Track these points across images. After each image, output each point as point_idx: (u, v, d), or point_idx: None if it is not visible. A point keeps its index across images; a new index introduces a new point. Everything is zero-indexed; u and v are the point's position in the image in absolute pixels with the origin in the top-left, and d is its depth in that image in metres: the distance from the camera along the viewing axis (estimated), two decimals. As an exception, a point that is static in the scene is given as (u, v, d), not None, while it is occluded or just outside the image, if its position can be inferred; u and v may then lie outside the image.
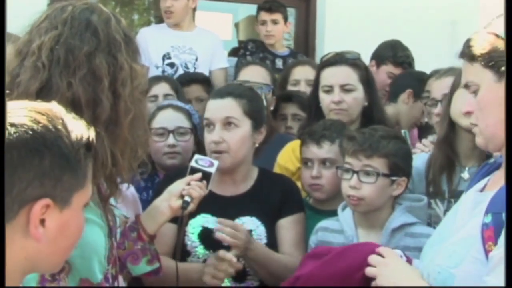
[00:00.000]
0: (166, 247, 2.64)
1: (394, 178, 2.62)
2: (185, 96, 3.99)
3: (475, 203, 1.84)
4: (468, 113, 1.92)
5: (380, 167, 2.60)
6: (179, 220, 2.39)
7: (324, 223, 2.78)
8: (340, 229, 2.71)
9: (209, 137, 2.74)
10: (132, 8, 6.69)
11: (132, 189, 2.85)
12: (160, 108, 3.30)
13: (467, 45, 1.86)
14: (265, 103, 2.89)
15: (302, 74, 4.15)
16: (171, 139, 3.21)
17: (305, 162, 2.98)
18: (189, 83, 4.23)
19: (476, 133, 1.88)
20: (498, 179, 1.84)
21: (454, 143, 2.83)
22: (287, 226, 2.79)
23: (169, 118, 3.25)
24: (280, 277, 2.66)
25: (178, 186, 2.35)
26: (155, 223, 2.29)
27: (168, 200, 2.32)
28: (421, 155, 3.01)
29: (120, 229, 2.19)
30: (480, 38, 1.84)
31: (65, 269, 1.85)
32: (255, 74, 3.68)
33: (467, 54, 1.85)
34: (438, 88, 3.26)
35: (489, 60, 1.80)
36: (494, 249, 1.66)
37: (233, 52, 5.48)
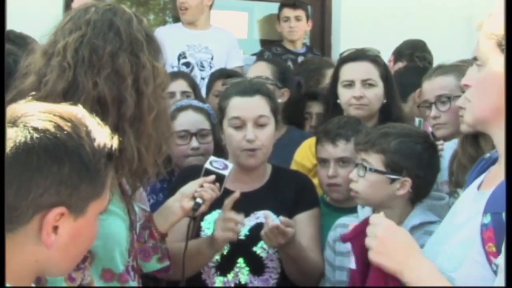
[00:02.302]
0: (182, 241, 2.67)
1: (391, 176, 2.60)
2: (202, 94, 4.05)
3: (473, 201, 1.80)
4: (465, 86, 1.83)
5: (375, 163, 2.61)
6: (190, 221, 2.45)
7: (343, 219, 2.83)
8: None
9: (240, 135, 2.77)
10: (147, 8, 6.76)
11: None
12: (180, 109, 3.31)
13: (488, 18, 1.76)
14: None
15: None
16: (194, 142, 3.24)
17: (321, 161, 3.01)
18: (227, 77, 4.27)
19: (466, 109, 1.81)
20: (494, 175, 1.78)
21: (478, 140, 2.72)
22: (305, 221, 2.83)
23: (190, 120, 3.28)
24: (306, 274, 2.77)
25: (190, 187, 2.41)
26: (167, 222, 2.35)
27: (180, 200, 2.37)
28: (449, 144, 3.00)
29: (140, 223, 2.27)
30: (502, 17, 1.71)
31: (88, 259, 1.94)
32: (255, 71, 3.68)
33: (485, 28, 1.75)
34: (429, 89, 3.18)
35: (503, 43, 1.70)
36: (500, 257, 1.61)
37: (259, 55, 5.51)
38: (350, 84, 3.28)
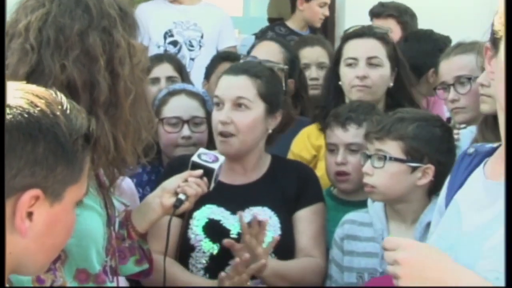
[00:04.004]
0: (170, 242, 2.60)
1: (412, 164, 2.61)
2: (190, 78, 4.02)
3: (490, 193, 1.75)
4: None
5: (393, 151, 2.61)
6: (169, 220, 2.39)
7: (351, 215, 2.81)
8: (369, 222, 2.74)
9: (217, 117, 2.76)
10: (132, -16, 6.74)
11: (129, 182, 2.89)
12: (172, 93, 3.30)
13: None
14: (284, 86, 2.91)
15: (312, 57, 4.11)
16: (186, 131, 3.21)
17: (330, 147, 3.00)
18: (233, 60, 4.22)
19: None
20: (501, 162, 1.73)
21: (497, 125, 2.74)
22: (306, 218, 2.82)
23: (183, 106, 3.25)
24: (305, 283, 2.77)
25: (173, 182, 2.37)
26: (145, 221, 2.31)
27: (161, 196, 2.33)
28: (466, 132, 2.99)
29: (119, 218, 2.24)
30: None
31: (61, 258, 1.91)
32: (263, 51, 3.62)
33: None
34: (447, 70, 3.14)
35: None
36: None
37: (261, 34, 5.52)
38: (353, 63, 3.24)
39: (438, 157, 2.62)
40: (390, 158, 2.61)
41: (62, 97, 1.46)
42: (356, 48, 3.25)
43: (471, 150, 1.90)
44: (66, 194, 1.43)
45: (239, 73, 2.80)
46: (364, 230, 2.74)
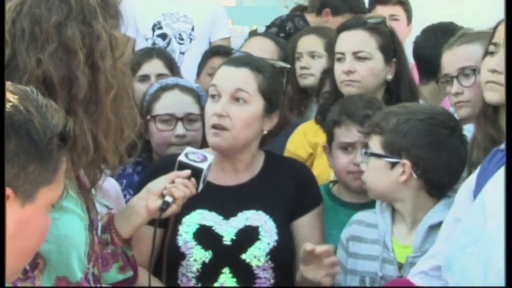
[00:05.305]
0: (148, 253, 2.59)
1: (389, 159, 2.65)
2: (181, 74, 4.01)
3: None
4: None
5: (374, 146, 2.68)
6: (155, 224, 2.42)
7: (361, 215, 2.84)
8: (376, 223, 2.76)
9: (212, 109, 2.76)
10: (117, -28, 6.76)
11: (114, 183, 2.90)
12: (165, 88, 3.30)
13: None
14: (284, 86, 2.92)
15: (304, 46, 4.15)
16: (180, 129, 3.22)
17: (343, 145, 3.00)
18: (224, 54, 4.17)
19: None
20: None
21: (497, 117, 2.71)
22: (308, 225, 2.84)
23: (177, 103, 3.26)
24: None
25: (159, 183, 2.38)
26: (129, 225, 2.32)
27: (146, 199, 2.35)
28: (469, 128, 2.96)
29: (101, 222, 2.24)
30: None
31: (40, 265, 1.91)
32: (257, 47, 3.65)
33: None
34: (451, 61, 3.12)
35: None
36: None
37: (280, 23, 5.50)
38: (341, 58, 3.28)
39: (417, 152, 2.64)
40: (366, 153, 2.69)
41: (38, 94, 1.48)
42: (343, 42, 3.30)
43: (502, 146, 1.95)
44: (38, 195, 1.45)
45: (240, 65, 2.80)
46: (370, 232, 2.76)
